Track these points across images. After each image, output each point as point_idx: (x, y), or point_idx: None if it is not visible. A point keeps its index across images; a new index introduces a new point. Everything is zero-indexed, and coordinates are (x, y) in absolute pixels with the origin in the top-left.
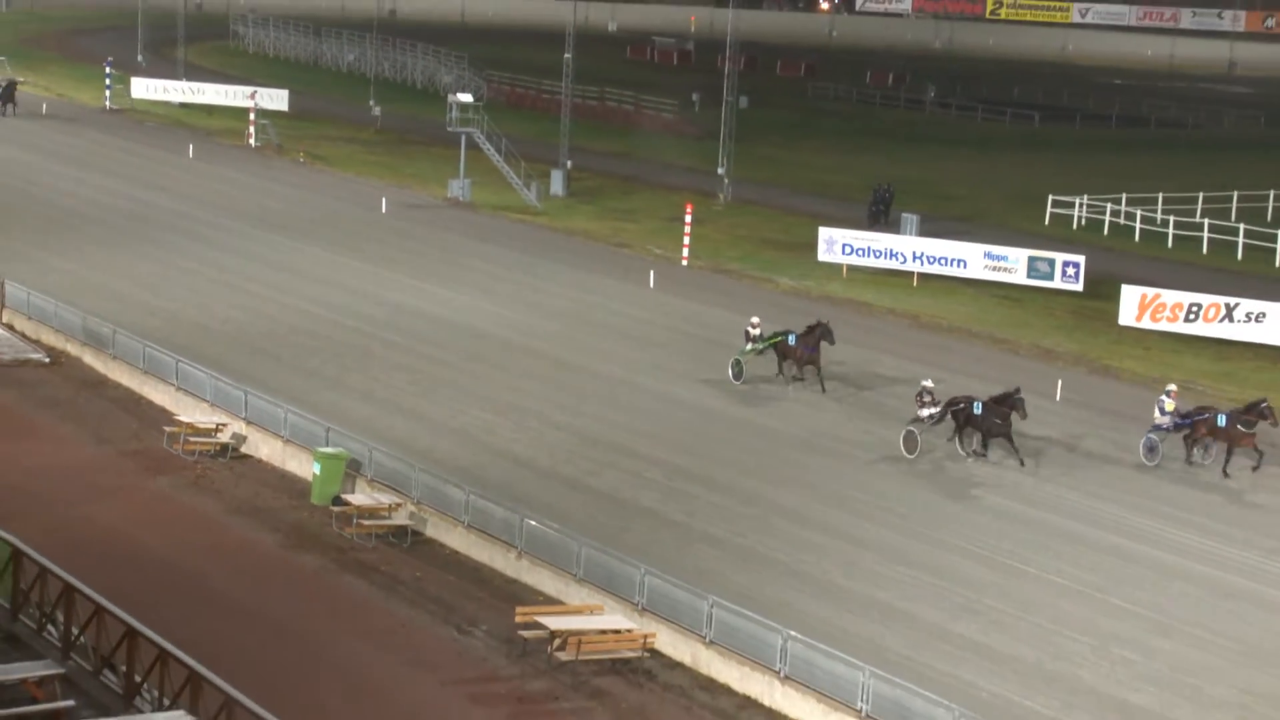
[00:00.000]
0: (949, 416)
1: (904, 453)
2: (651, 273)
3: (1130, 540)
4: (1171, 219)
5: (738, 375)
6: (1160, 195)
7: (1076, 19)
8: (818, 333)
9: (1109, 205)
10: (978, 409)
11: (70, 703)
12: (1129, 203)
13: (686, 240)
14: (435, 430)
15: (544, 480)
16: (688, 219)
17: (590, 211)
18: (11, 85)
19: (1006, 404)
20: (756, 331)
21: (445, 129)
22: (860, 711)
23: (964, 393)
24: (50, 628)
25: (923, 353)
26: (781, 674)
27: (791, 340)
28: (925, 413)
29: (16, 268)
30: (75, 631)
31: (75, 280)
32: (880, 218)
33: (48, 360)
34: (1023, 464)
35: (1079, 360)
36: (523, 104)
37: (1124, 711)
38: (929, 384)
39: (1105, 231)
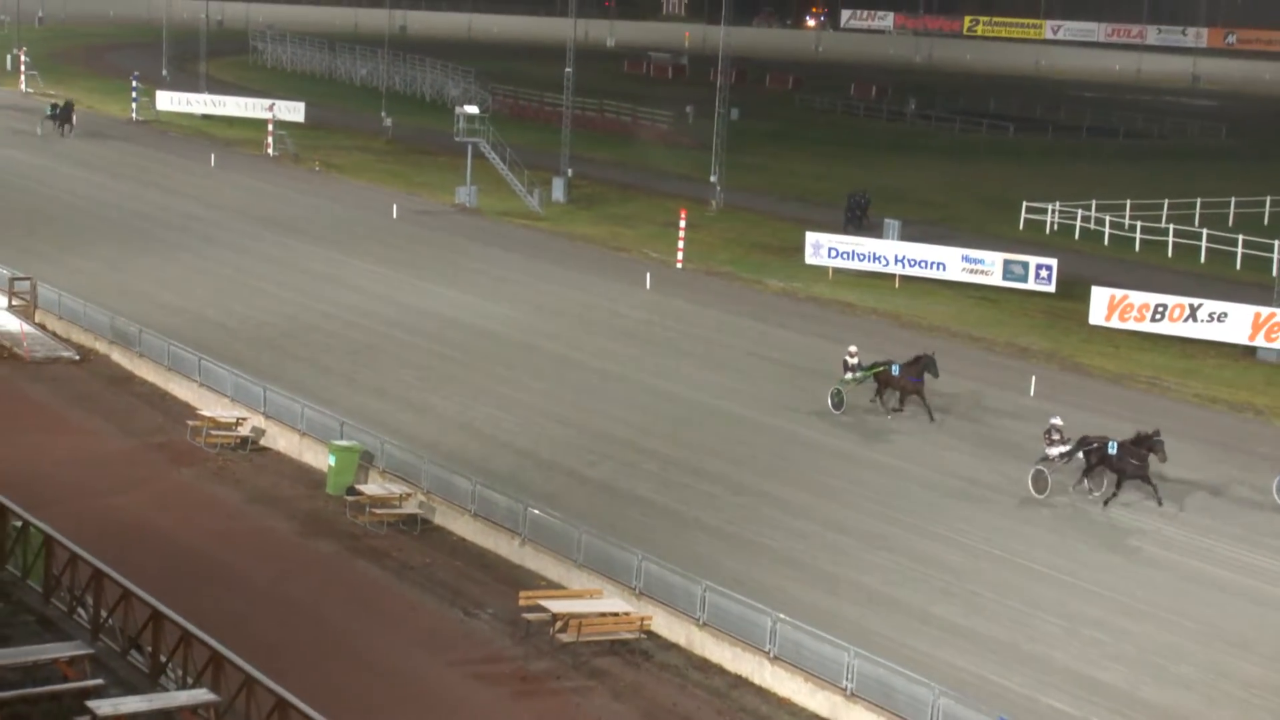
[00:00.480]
0: (1080, 455)
1: (1033, 493)
2: (648, 275)
3: (1096, 526)
4: (1139, 224)
5: (838, 405)
6: (1128, 202)
7: (1049, 35)
8: (922, 364)
9: (1080, 211)
10: (1113, 449)
11: (99, 681)
12: (1099, 209)
13: (681, 244)
14: (443, 424)
15: (546, 471)
16: (682, 224)
17: (590, 217)
18: (69, 106)
19: (1144, 445)
20: (855, 360)
21: (453, 139)
22: (845, 690)
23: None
24: (80, 610)
25: (904, 350)
26: (771, 654)
27: (895, 370)
28: (1055, 451)
29: (49, 270)
30: (104, 614)
31: (104, 282)
32: (857, 222)
33: (77, 358)
34: (1160, 504)
35: (1051, 357)
36: (526, 115)
37: (1094, 689)
38: (1058, 421)
39: (1076, 236)
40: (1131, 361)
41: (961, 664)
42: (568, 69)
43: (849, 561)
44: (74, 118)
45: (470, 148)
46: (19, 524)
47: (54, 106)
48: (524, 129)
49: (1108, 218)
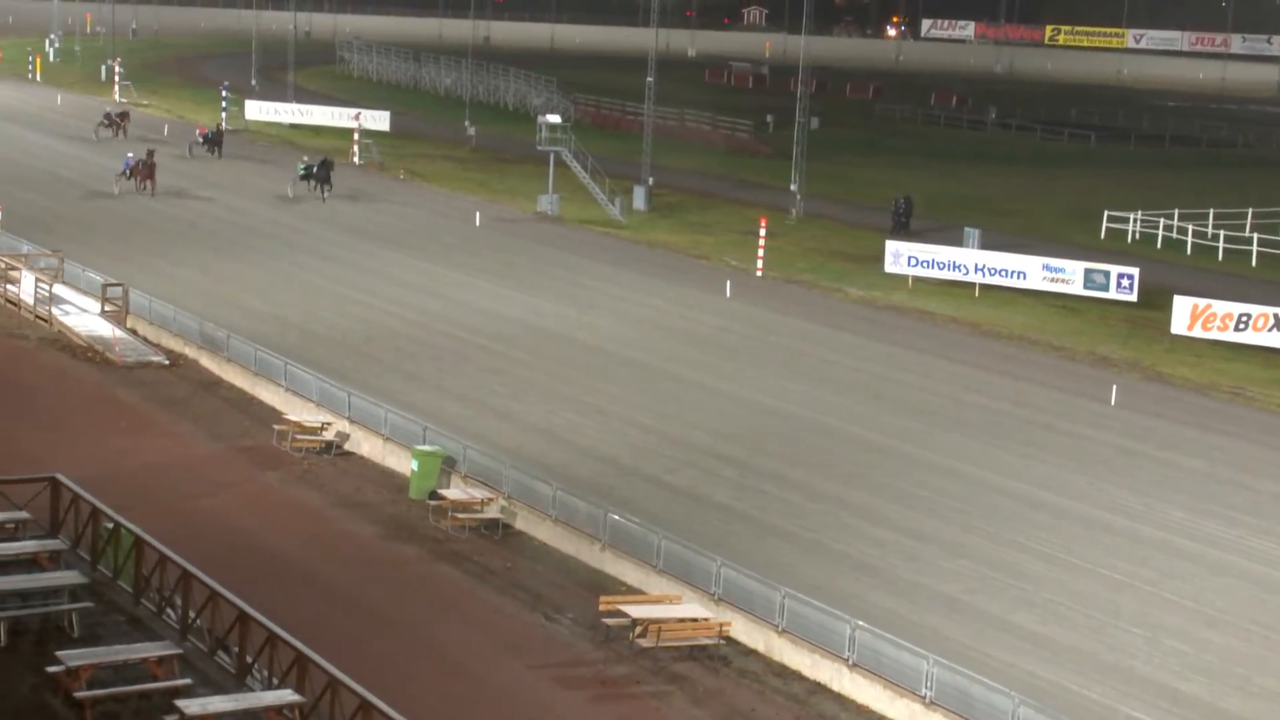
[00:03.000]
0: None
1: None
2: (728, 282)
3: (1179, 537)
4: (1222, 233)
5: None
6: (1211, 211)
7: (1131, 44)
8: None
9: (1162, 220)
10: None
11: (187, 681)
12: (1181, 218)
13: (760, 252)
14: (524, 429)
15: (626, 477)
16: (762, 232)
17: (670, 225)
18: (327, 165)
19: None
20: None
21: (535, 148)
22: (924, 697)
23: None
24: (169, 611)
25: (983, 359)
26: (850, 661)
27: None
28: None
29: (139, 276)
30: (192, 615)
31: (193, 288)
32: (903, 227)
33: (167, 362)
34: None
35: (1133, 367)
36: (607, 124)
37: (1176, 700)
38: None
39: (1158, 245)
40: (1215, 371)
41: (1041, 673)
42: (649, 78)
43: (927, 569)
44: (332, 178)
45: (552, 156)
46: (110, 525)
47: (308, 167)
48: (605, 138)
49: (1190, 227)
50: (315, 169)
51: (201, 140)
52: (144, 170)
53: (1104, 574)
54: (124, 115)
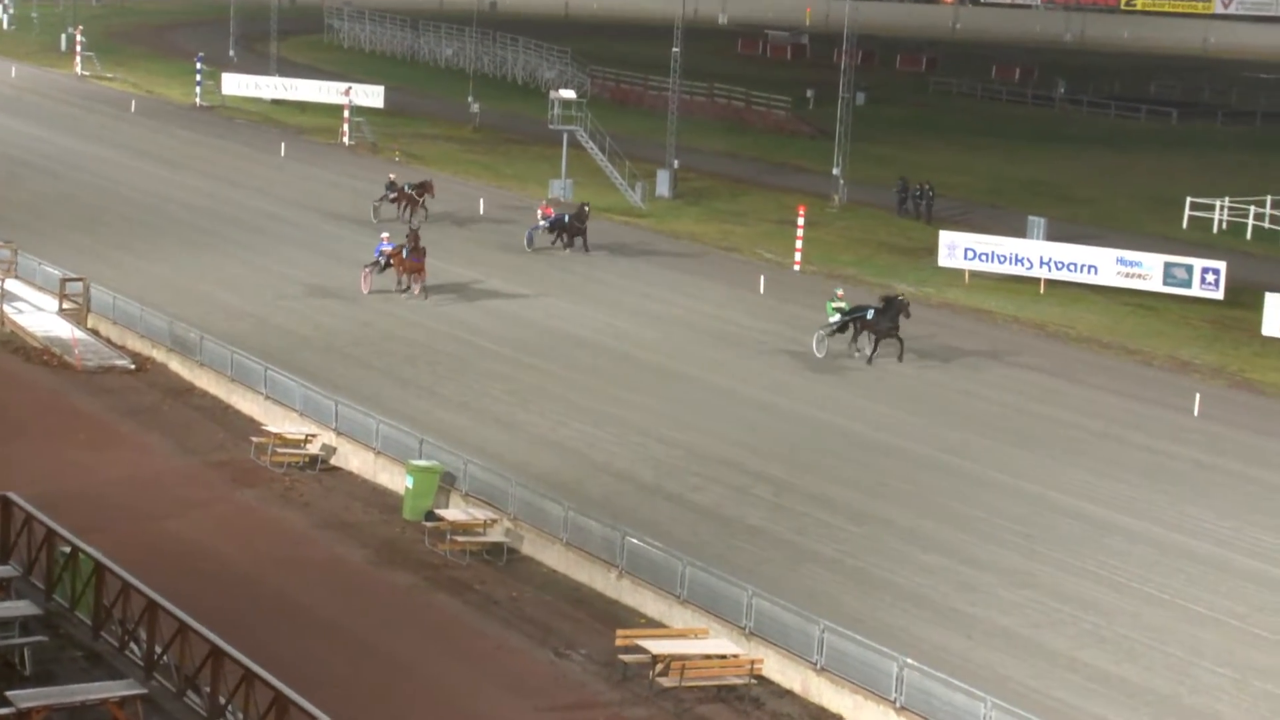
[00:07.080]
0: None
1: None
2: (762, 278)
3: (1270, 565)
4: None
5: None
6: None
7: (1219, 10)
8: None
9: (1252, 208)
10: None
11: None
12: (1275, 205)
13: (799, 244)
14: (533, 442)
15: (646, 496)
16: (800, 221)
17: (698, 213)
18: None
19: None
20: None
21: (546, 127)
22: None
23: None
24: (133, 646)
25: (1049, 364)
26: (898, 704)
27: None
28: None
29: (102, 270)
30: (158, 650)
31: (162, 283)
32: (914, 210)
33: (133, 367)
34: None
35: (1219, 373)
36: (628, 101)
37: None
38: None
39: (1248, 236)
40: None
41: (1114, 718)
42: (675, 49)
43: (985, 600)
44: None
45: (566, 137)
46: (67, 549)
47: (849, 314)
48: (626, 115)
49: None
50: (864, 318)
51: (546, 224)
52: (410, 260)
53: (1185, 606)
54: (423, 187)
